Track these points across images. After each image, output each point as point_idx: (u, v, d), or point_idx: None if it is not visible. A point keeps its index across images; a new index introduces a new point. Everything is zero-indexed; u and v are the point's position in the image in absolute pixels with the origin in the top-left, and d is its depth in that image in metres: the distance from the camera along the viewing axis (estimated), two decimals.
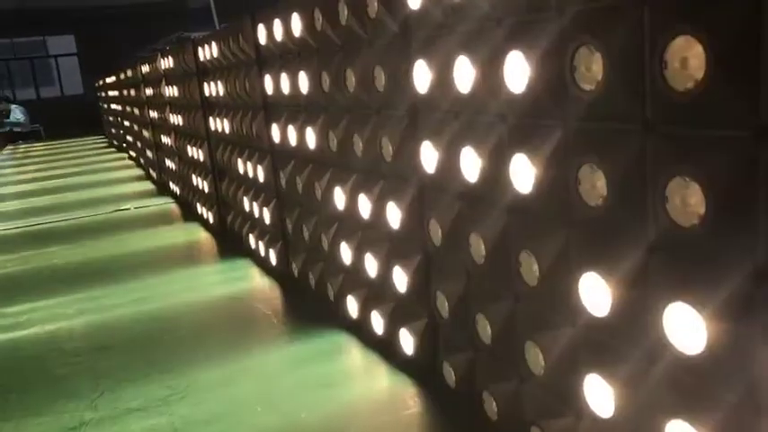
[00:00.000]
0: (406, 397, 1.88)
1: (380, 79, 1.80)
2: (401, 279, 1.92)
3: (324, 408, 1.89)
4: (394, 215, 1.88)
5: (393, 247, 1.97)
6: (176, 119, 4.52)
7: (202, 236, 4.06)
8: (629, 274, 1.09)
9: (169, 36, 14.89)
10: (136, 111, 6.60)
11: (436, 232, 1.69)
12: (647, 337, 1.07)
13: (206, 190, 4.03)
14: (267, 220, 2.98)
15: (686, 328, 0.99)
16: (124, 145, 9.10)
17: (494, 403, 1.57)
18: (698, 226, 0.94)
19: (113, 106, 9.33)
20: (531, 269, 1.34)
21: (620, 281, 1.11)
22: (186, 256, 3.76)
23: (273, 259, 3.01)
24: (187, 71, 3.93)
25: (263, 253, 3.14)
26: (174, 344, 2.46)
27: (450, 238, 1.63)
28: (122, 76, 7.30)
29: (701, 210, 0.93)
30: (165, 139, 5.14)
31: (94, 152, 10.38)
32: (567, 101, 1.16)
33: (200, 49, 3.60)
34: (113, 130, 10.26)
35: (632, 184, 1.05)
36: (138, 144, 7.10)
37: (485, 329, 1.56)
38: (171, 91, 4.55)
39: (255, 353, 2.30)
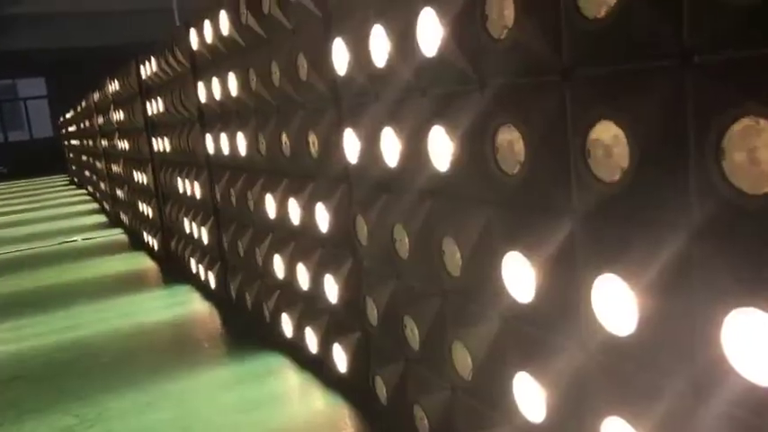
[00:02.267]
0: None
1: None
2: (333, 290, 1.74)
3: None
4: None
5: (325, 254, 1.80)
6: (124, 144, 4.34)
7: (146, 264, 3.84)
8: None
9: None
10: (90, 142, 6.40)
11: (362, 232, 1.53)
12: (577, 321, 0.91)
13: (151, 215, 3.84)
14: (205, 240, 2.80)
15: (617, 304, 0.84)
16: (81, 181, 8.87)
17: (425, 418, 1.38)
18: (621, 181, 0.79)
19: (72, 142, 9.12)
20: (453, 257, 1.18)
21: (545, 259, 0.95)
22: (125, 284, 3.51)
23: (213, 282, 2.81)
24: (131, 92, 3.77)
25: (203, 276, 2.95)
26: (92, 371, 2.24)
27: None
28: (78, 108, 7.12)
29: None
30: (116, 168, 4.94)
31: (53, 189, 10.11)
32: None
33: (141, 66, 3.45)
34: (73, 167, 10.02)
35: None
36: (94, 177, 6.88)
37: (413, 334, 1.39)
38: (118, 116, 4.39)
39: (181, 377, 2.09)
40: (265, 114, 1.99)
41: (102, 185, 6.05)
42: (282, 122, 1.86)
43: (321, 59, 1.55)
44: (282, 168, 1.93)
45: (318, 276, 1.80)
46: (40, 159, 17.25)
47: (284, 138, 1.84)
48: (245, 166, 2.23)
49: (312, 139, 1.69)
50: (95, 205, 7.03)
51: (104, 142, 5.33)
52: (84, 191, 8.80)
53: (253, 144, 2.08)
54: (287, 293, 2.07)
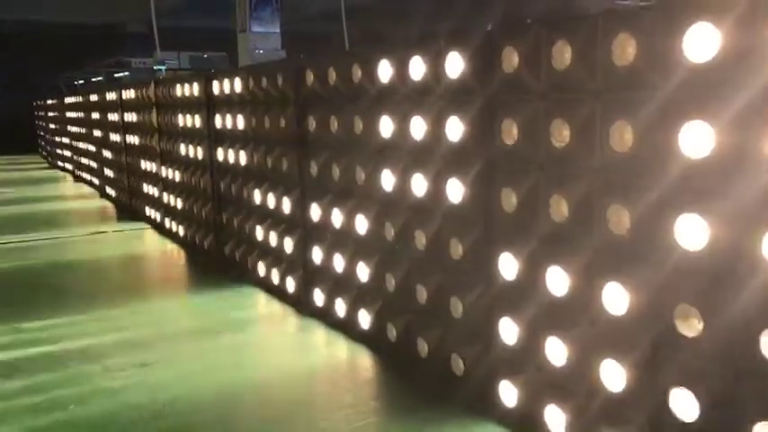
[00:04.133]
0: None
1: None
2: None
3: None
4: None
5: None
6: (168, 145, 4.62)
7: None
8: None
9: (106, 60, 14.59)
10: (101, 133, 6.56)
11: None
12: None
13: (204, 216, 4.15)
14: (288, 250, 3.17)
15: None
16: (69, 166, 8.94)
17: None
18: None
19: (66, 128, 9.15)
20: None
21: None
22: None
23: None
24: (195, 102, 4.08)
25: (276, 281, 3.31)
26: None
27: None
28: (83, 98, 7.26)
29: None
30: (148, 165, 5.19)
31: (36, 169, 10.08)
32: None
33: (214, 82, 3.78)
34: (58, 151, 10.02)
35: None
36: (99, 166, 7.04)
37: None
38: (162, 119, 4.66)
39: None
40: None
41: (121, 178, 6.16)
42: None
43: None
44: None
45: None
46: None
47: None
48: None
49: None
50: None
51: (128, 138, 5.56)
52: (66, 174, 8.88)
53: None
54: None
